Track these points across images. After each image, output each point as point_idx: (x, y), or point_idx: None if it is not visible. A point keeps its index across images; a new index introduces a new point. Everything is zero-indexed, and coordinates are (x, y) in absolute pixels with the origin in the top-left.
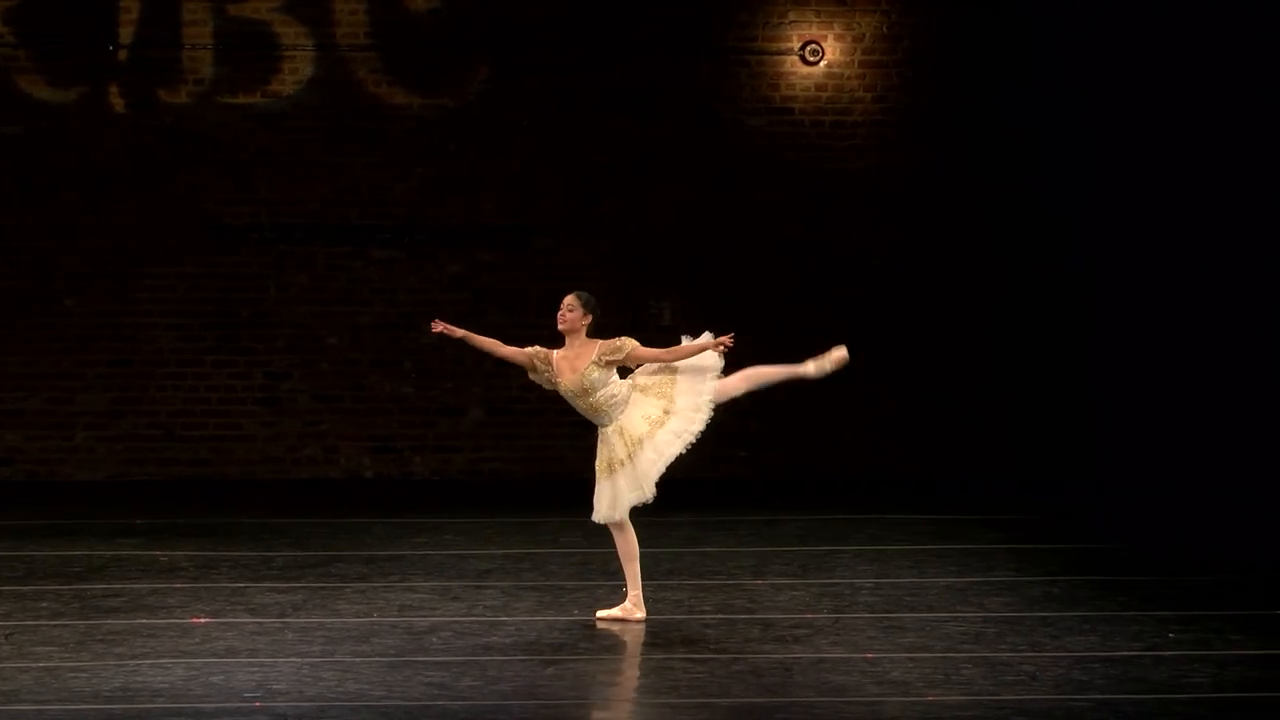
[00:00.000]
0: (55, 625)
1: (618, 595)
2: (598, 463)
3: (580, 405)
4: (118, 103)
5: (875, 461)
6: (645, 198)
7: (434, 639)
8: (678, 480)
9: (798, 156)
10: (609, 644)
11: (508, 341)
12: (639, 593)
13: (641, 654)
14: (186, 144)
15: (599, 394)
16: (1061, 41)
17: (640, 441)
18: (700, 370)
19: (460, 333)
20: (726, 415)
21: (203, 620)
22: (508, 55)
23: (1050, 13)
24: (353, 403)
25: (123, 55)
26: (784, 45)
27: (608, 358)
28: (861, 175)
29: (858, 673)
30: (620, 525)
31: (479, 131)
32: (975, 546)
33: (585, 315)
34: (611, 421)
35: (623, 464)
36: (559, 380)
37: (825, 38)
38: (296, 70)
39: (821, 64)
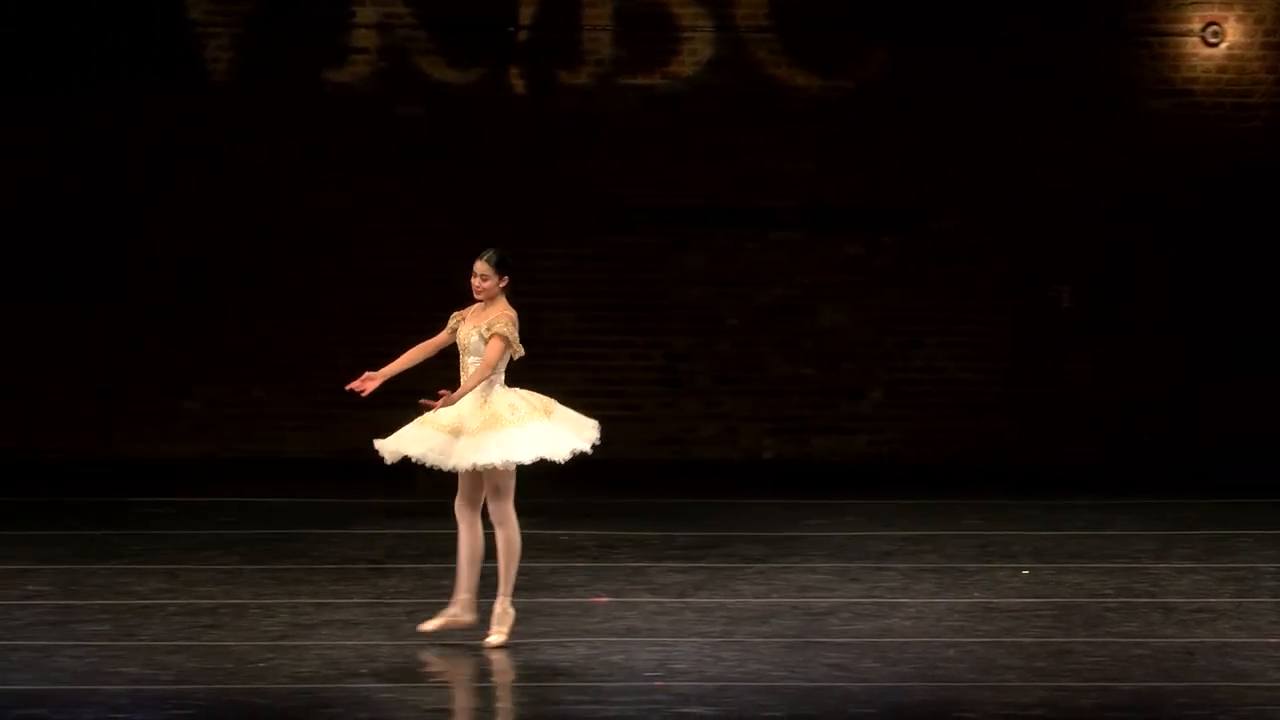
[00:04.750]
0: None
1: (1015, 578)
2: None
3: (462, 358)
4: (518, 84)
5: None
6: (1043, 179)
7: (833, 620)
8: (1077, 464)
9: (1199, 140)
10: (1009, 626)
11: None
12: (470, 596)
13: (1042, 637)
14: (586, 125)
15: (472, 359)
16: None
17: (501, 423)
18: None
19: (381, 376)
20: (1127, 397)
21: (604, 599)
22: (906, 37)
23: None
24: (752, 384)
25: (522, 36)
26: (1185, 26)
27: (487, 329)
28: (1263, 158)
29: (1261, 658)
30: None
31: (878, 113)
32: None
33: (500, 280)
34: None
35: (468, 432)
36: (460, 326)
37: (1226, 19)
38: (696, 51)
39: (1222, 46)
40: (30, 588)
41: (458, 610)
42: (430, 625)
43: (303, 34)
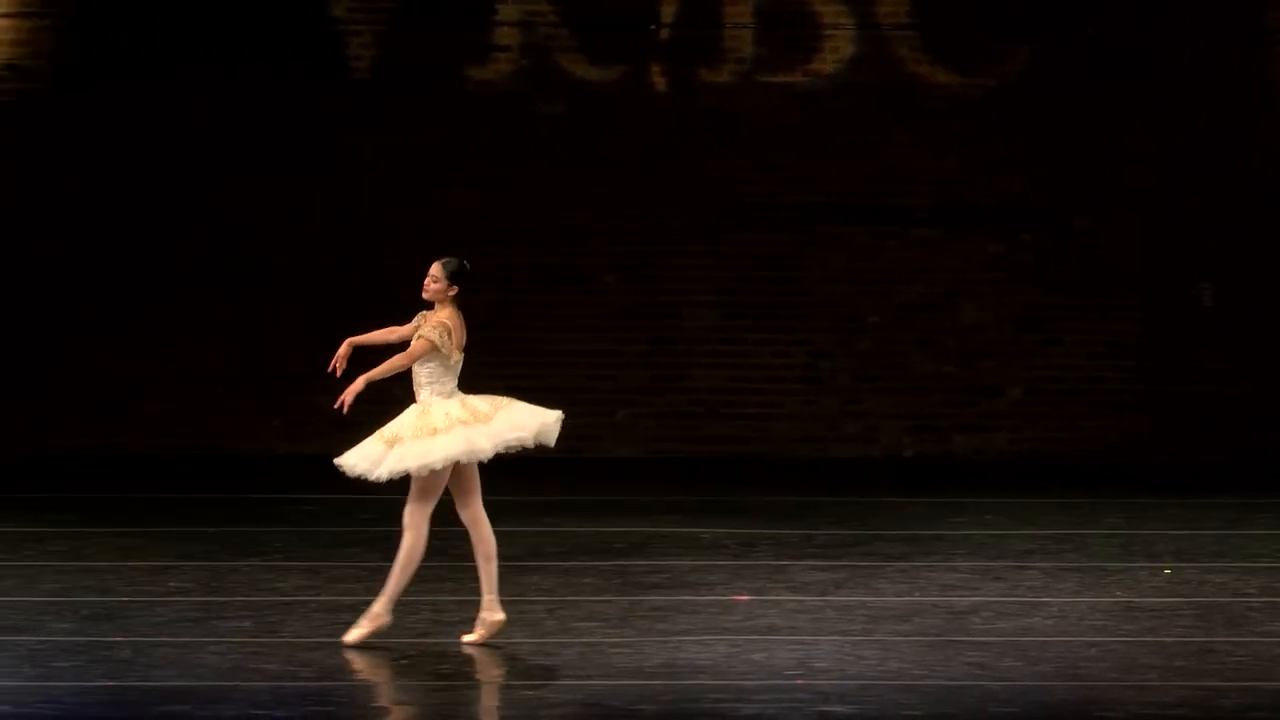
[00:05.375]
0: (598, 601)
1: (1157, 577)
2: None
3: None
4: (659, 82)
5: None
6: (1182, 177)
7: (975, 619)
8: (1218, 462)
9: None
10: (1150, 625)
11: None
12: (492, 596)
13: (1184, 636)
14: (727, 123)
15: (416, 363)
16: None
17: (433, 432)
18: (538, 416)
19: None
20: (1267, 394)
21: (745, 598)
22: (1048, 36)
23: None
24: (893, 381)
25: (664, 34)
26: None
27: (418, 330)
28: None
29: None
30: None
31: (1019, 111)
32: None
33: (450, 288)
34: (419, 399)
35: (401, 441)
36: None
37: None
38: (837, 49)
39: None
40: (173, 584)
41: (485, 614)
42: (472, 636)
43: (445, 31)
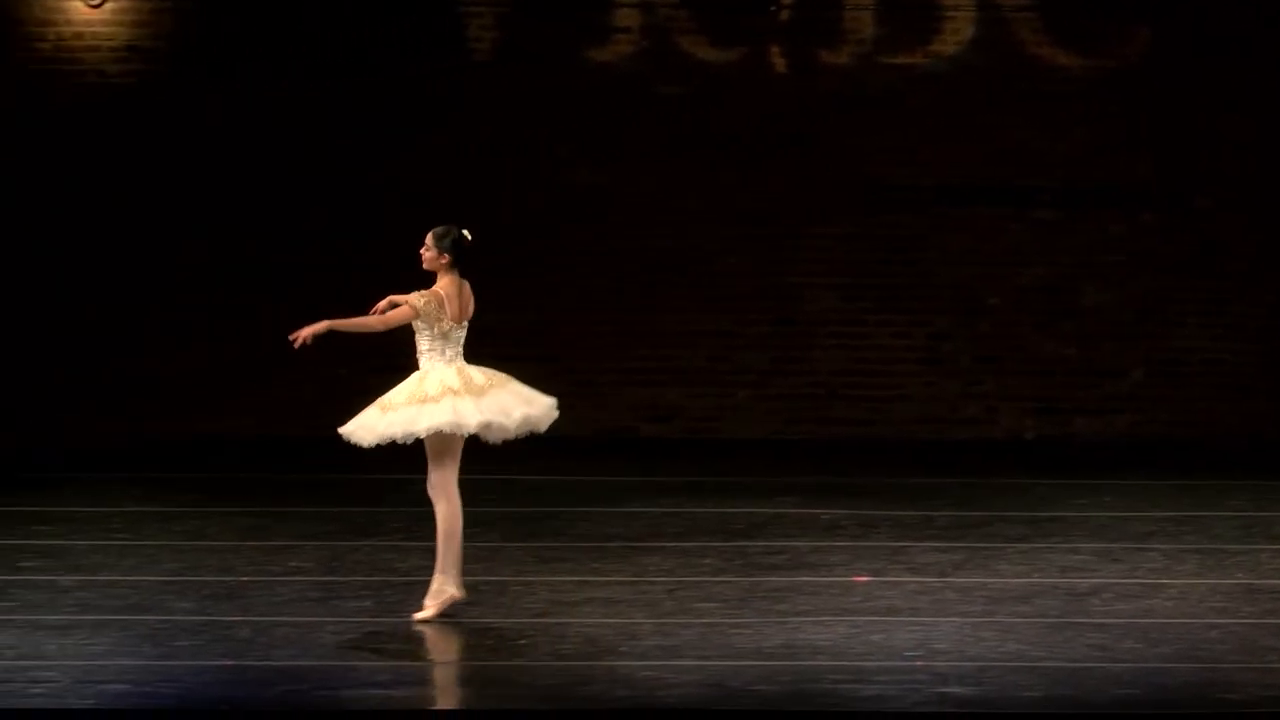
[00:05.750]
0: (717, 582)
1: (1279, 559)
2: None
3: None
4: (779, 63)
5: None
6: None
7: (1095, 600)
8: None
9: None
10: (1272, 607)
11: None
12: (453, 574)
13: None
14: (847, 105)
15: (415, 328)
16: None
17: (424, 400)
18: (529, 403)
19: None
20: None
21: (864, 579)
22: (1170, 18)
23: None
24: (1014, 363)
25: (784, 16)
26: None
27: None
28: None
29: None
30: (444, 499)
31: (1140, 92)
32: None
33: (441, 256)
34: (420, 365)
35: (394, 407)
36: None
37: None
38: (958, 31)
39: None
40: (293, 564)
41: (436, 585)
42: (423, 614)
43: (565, 13)
